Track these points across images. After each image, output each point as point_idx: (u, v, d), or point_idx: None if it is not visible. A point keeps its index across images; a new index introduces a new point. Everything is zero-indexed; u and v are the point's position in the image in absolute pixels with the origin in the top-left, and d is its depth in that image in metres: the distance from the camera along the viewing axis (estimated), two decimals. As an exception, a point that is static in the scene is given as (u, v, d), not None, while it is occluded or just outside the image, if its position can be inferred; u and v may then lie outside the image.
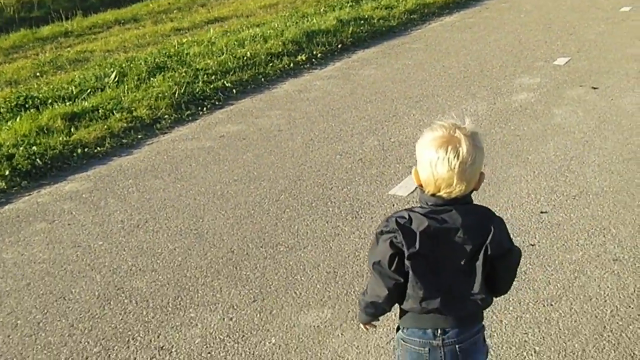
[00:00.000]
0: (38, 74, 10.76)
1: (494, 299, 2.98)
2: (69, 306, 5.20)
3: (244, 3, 15.36)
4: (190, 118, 8.99)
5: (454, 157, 2.59)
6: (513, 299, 4.84)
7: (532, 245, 5.58)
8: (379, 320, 3.17)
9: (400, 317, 2.95)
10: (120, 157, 7.91)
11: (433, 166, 2.62)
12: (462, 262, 2.74)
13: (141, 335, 4.80)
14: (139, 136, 8.43)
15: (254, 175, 7.21)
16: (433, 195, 2.69)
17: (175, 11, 15.05)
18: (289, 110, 9.07)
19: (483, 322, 2.98)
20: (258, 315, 4.92)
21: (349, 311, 4.85)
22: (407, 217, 2.72)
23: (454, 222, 2.69)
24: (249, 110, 9.23)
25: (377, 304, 2.91)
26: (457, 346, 2.85)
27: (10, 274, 5.68)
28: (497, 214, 2.83)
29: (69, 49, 12.26)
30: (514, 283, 2.98)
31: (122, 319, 4.99)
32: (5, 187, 7.21)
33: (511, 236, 2.85)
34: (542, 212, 6.11)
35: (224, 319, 4.92)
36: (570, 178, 6.76)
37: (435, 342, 2.84)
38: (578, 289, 4.98)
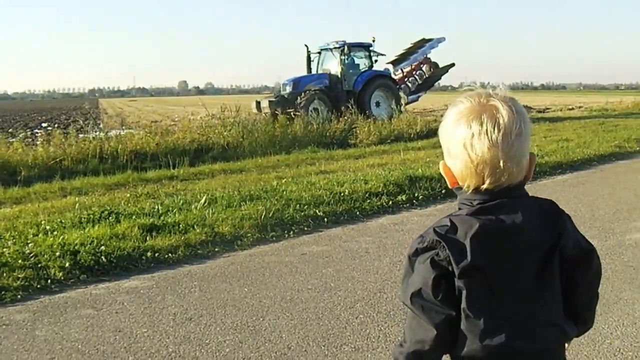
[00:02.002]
0: (132, 202, 10.53)
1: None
2: (88, 381, 4.49)
3: (352, 163, 15.12)
4: (274, 239, 8.37)
5: (494, 128, 1.91)
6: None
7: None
8: None
9: None
10: (191, 265, 7.33)
11: (469, 147, 1.93)
12: (532, 273, 1.97)
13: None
14: (216, 249, 7.85)
15: (330, 286, 6.49)
16: (476, 190, 1.97)
17: (283, 167, 14.92)
18: (381, 238, 8.36)
19: None
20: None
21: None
22: (448, 224, 1.98)
23: (513, 220, 1.95)
24: (338, 235, 8.57)
25: (422, 353, 2.03)
26: None
27: (36, 349, 5.14)
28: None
29: (170, 188, 12.11)
30: None
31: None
32: (63, 278, 6.74)
33: None
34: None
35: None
36: None
37: None
38: None
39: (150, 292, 6.44)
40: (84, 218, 8.80)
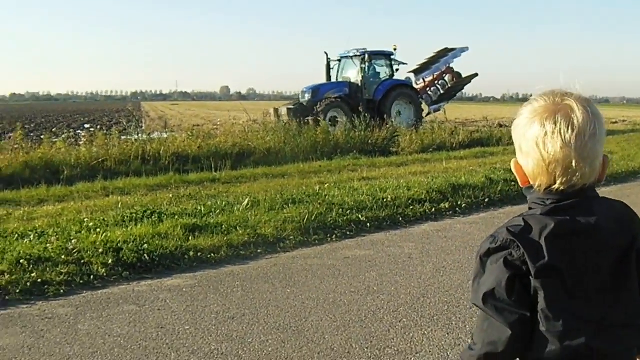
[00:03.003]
0: (174, 202, 10.57)
1: None
2: (130, 376, 4.48)
3: (394, 170, 15.05)
4: (317, 242, 8.34)
5: (568, 128, 1.86)
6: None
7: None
8: None
9: None
10: (233, 265, 7.32)
11: (541, 145, 1.89)
12: (609, 274, 1.91)
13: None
14: (259, 251, 7.83)
15: (373, 290, 6.43)
16: (548, 190, 1.92)
17: (324, 172, 14.89)
18: (424, 244, 8.29)
19: None
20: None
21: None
22: (522, 223, 1.92)
23: (587, 220, 1.89)
24: (380, 240, 8.51)
25: (495, 356, 1.96)
26: None
27: (78, 342, 5.14)
28: None
29: (211, 190, 12.13)
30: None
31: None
32: (105, 274, 6.76)
33: None
34: None
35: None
36: None
37: None
38: None
39: (193, 290, 6.43)
40: (127, 217, 8.84)
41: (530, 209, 1.99)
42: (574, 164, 1.86)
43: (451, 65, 30.58)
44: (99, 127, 30.10)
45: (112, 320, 5.61)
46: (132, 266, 7.00)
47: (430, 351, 4.96)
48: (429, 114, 29.52)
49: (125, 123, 29.67)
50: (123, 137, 18.46)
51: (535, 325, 1.91)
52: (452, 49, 30.59)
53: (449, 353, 4.92)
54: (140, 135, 19.50)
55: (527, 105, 1.99)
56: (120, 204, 10.32)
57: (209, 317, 5.68)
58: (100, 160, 15.43)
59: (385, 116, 24.88)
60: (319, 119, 22.96)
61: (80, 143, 17.98)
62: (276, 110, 26.46)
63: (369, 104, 25.95)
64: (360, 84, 26.80)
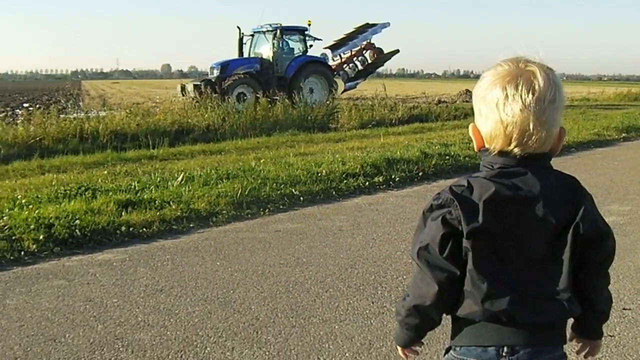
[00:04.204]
0: (109, 179, 10.53)
1: None
2: (56, 348, 4.64)
3: (332, 146, 15.15)
4: (249, 216, 8.42)
5: (529, 92, 1.92)
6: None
7: (612, 336, 4.76)
8: (422, 343, 2.30)
9: (453, 334, 2.13)
10: (165, 240, 7.37)
11: (501, 108, 1.95)
12: (542, 245, 1.98)
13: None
14: (191, 225, 7.89)
15: (302, 262, 6.55)
16: (502, 153, 1.98)
17: (262, 148, 14.94)
18: (355, 217, 8.43)
19: (564, 351, 2.12)
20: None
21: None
22: (465, 184, 1.99)
23: (530, 189, 1.96)
24: (313, 214, 8.63)
25: (423, 308, 2.08)
26: None
27: (6, 316, 5.17)
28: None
29: (148, 167, 12.11)
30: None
31: (109, 364, 4.35)
32: (36, 250, 6.75)
33: None
34: (624, 309, 5.27)
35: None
36: None
37: None
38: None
39: (123, 264, 6.47)
40: (61, 194, 8.81)
41: (480, 171, 2.05)
42: (531, 127, 1.92)
43: (372, 42, 30.20)
44: (38, 105, 29.56)
45: (41, 294, 5.62)
46: (63, 242, 7.00)
47: (354, 319, 5.07)
48: (344, 91, 29.36)
49: (64, 102, 29.20)
50: (62, 116, 18.25)
51: (463, 287, 1.99)
52: (373, 25, 30.16)
53: (372, 321, 5.03)
54: (78, 113, 19.29)
55: (491, 70, 2.03)
56: (55, 181, 10.24)
57: (137, 290, 5.73)
58: (37, 138, 15.24)
59: (295, 93, 23.83)
60: (227, 95, 22.55)
61: (18, 122, 17.71)
62: (183, 87, 26.04)
63: (280, 81, 25.48)
64: (271, 60, 26.30)
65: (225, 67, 25.46)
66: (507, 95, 1.93)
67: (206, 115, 18.86)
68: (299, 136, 17.50)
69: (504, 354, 1.99)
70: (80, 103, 29.32)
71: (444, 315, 2.13)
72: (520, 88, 1.92)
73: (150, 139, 15.89)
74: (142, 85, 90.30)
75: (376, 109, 22.56)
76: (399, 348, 2.31)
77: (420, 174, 11.09)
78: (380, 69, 32.49)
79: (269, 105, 20.55)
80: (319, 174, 10.23)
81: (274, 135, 17.77)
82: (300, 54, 27.22)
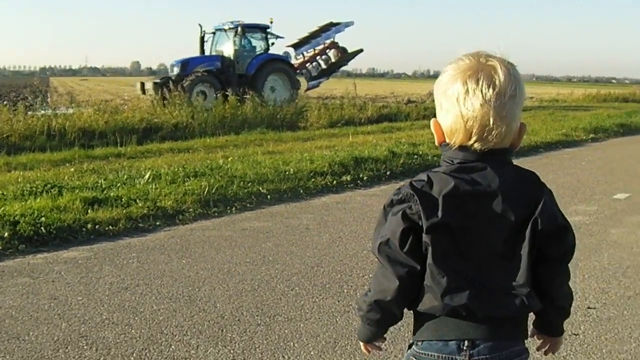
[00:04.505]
0: (76, 177, 10.46)
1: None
2: (19, 346, 4.61)
3: (300, 144, 15.19)
4: (216, 214, 8.43)
5: (489, 87, 1.93)
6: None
7: (576, 335, 4.83)
8: (385, 339, 2.31)
9: (414, 329, 2.14)
10: (131, 237, 7.35)
11: (461, 102, 1.95)
12: (501, 240, 1.99)
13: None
14: (158, 223, 7.88)
15: (268, 260, 6.56)
16: (462, 148, 1.99)
17: (231, 147, 14.92)
18: (322, 215, 8.47)
19: (526, 346, 2.13)
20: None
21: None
22: (425, 179, 2.00)
23: (489, 184, 1.97)
24: (280, 212, 8.66)
25: (384, 303, 2.09)
26: None
27: (-32, 315, 5.05)
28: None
29: (116, 165, 12.05)
30: None
31: (71, 362, 4.34)
32: (1, 247, 6.72)
33: None
34: (589, 308, 5.37)
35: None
36: (625, 282, 6.02)
37: (461, 357, 2.03)
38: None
39: (88, 262, 6.45)
40: (27, 191, 8.75)
41: (440, 166, 2.06)
42: (491, 122, 1.92)
43: (336, 41, 29.85)
44: (5, 102, 29.26)
45: (5, 292, 5.58)
46: (28, 239, 6.95)
47: (319, 318, 5.09)
48: (307, 89, 29.01)
49: (31, 98, 28.94)
50: (30, 113, 18.07)
51: (423, 282, 2.01)
52: (337, 24, 29.81)
53: (337, 319, 5.05)
54: (46, 110, 19.11)
55: (452, 64, 2.03)
56: (21, 178, 10.16)
57: (102, 288, 5.71)
58: (4, 135, 15.09)
59: (257, 92, 23.12)
60: (186, 93, 22.08)
61: (-17, 119, 17.49)
62: (142, 85, 25.63)
63: (241, 79, 25.10)
64: (233, 58, 25.93)
65: (186, 65, 25.00)
66: (467, 90, 1.94)
67: (175, 114, 18.77)
68: (268, 135, 17.48)
69: (464, 348, 2.01)
70: (48, 100, 29.01)
71: (406, 311, 2.15)
72: (480, 83, 1.93)
73: (118, 136, 15.79)
74: (110, 82, 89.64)
75: (345, 108, 22.57)
76: (361, 343, 2.32)
77: (388, 173, 11.16)
78: (350, 69, 32.49)
79: (238, 104, 20.45)
80: (287, 173, 10.26)
81: (243, 133, 17.74)
82: (262, 52, 26.79)
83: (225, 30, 26.48)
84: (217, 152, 14.02)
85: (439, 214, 1.94)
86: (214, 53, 26.62)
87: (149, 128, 17.72)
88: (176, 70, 24.97)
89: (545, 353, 2.37)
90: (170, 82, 23.35)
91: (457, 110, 1.96)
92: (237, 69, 25.66)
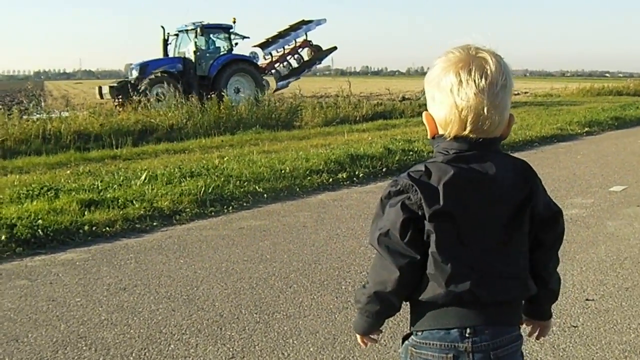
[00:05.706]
0: (72, 179, 10.46)
1: None
2: (18, 348, 4.61)
3: (296, 143, 15.19)
4: (213, 214, 8.44)
5: (482, 77, 1.96)
6: None
7: (575, 326, 4.82)
8: (381, 331, 2.31)
9: (413, 320, 2.15)
10: (128, 238, 7.36)
11: (455, 93, 1.98)
12: (501, 227, 2.03)
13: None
14: (155, 223, 7.88)
15: (266, 258, 6.57)
16: (457, 138, 2.02)
17: (226, 147, 14.93)
18: (319, 213, 8.48)
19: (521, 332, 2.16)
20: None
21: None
22: (423, 169, 2.02)
23: (487, 171, 2.00)
24: (276, 211, 8.67)
25: (384, 295, 2.10)
26: (491, 353, 2.04)
27: (-34, 317, 5.05)
28: None
29: (112, 166, 12.06)
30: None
31: (71, 363, 4.35)
32: (-3, 250, 6.66)
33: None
34: (587, 300, 5.37)
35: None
36: (623, 274, 6.02)
37: (463, 345, 2.04)
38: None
39: (86, 264, 6.45)
40: (23, 194, 8.75)
41: (435, 157, 2.07)
42: (485, 111, 1.96)
43: (309, 39, 29.43)
44: (-1, 106, 29.26)
45: (3, 295, 5.59)
46: (25, 242, 6.96)
47: (318, 315, 5.10)
48: (276, 90, 28.52)
49: (26, 102, 28.93)
50: (25, 117, 18.05)
51: (425, 269, 2.02)
52: (308, 22, 29.34)
53: (336, 316, 5.06)
54: (41, 114, 19.09)
55: (442, 57, 2.06)
56: (18, 182, 10.16)
57: (100, 289, 5.72)
58: (-1, 140, 15.10)
59: (216, 93, 22.15)
60: (143, 97, 21.56)
61: (-21, 123, 17.46)
62: (100, 89, 25.27)
63: (202, 81, 24.70)
64: (194, 60, 25.47)
65: (145, 67, 24.55)
66: (460, 81, 1.97)
67: (170, 115, 18.76)
68: (263, 134, 17.50)
69: (467, 335, 2.02)
70: (43, 104, 28.92)
71: (403, 305, 2.16)
72: (473, 73, 1.96)
73: (114, 138, 15.78)
74: (105, 85, 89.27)
75: (340, 107, 22.57)
76: (358, 336, 2.33)
77: (383, 169, 11.17)
78: (344, 67, 32.22)
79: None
80: (283, 171, 10.27)
81: (238, 133, 17.75)
82: (226, 52, 26.35)
83: (187, 32, 26.08)
84: (212, 152, 14.03)
85: (441, 201, 1.96)
86: (177, 55, 26.19)
87: (144, 130, 17.73)
88: (135, 73, 24.67)
89: (537, 338, 2.41)
90: (129, 85, 23.18)
91: (451, 101, 1.98)
92: (199, 71, 25.26)
